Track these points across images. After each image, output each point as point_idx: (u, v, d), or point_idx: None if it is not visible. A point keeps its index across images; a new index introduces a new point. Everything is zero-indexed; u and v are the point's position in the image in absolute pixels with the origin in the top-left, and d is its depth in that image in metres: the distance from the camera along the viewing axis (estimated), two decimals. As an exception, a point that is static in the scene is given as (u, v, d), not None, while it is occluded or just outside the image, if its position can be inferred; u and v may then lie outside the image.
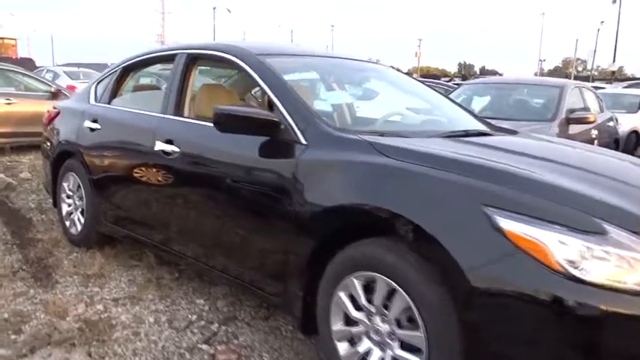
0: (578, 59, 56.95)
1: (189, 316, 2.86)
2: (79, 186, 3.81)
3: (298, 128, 2.37)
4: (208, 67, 4.11)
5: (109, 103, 3.71)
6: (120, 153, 3.38)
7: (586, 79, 37.75)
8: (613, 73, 36.85)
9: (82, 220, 3.81)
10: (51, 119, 4.23)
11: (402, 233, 1.89)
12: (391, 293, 1.93)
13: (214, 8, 50.29)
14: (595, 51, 50.51)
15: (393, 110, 3.17)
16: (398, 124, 2.97)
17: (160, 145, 2.95)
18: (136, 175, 3.19)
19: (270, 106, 4.64)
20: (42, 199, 5.26)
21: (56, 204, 4.17)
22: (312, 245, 2.19)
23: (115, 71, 3.78)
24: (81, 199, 3.80)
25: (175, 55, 3.23)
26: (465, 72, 74.68)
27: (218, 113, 2.42)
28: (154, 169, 3.03)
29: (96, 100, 3.83)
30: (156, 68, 6.72)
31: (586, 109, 6.49)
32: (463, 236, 1.75)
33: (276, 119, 2.41)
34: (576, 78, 40.34)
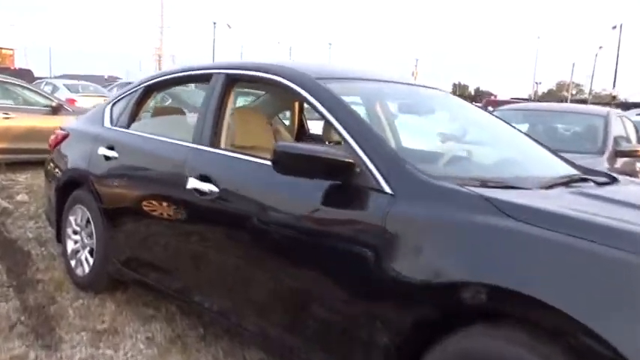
0: (573, 83, 56.89)
1: (225, 393, 2.35)
2: (88, 221, 3.30)
3: (380, 173, 1.89)
4: (247, 90, 3.64)
5: (127, 128, 3.21)
6: (141, 188, 2.89)
7: (582, 102, 37.53)
8: (614, 97, 36.67)
9: (91, 261, 3.29)
10: (58, 142, 3.73)
11: (550, 330, 1.41)
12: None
13: (214, 23, 50.10)
14: (593, 75, 50.76)
15: (457, 145, 2.70)
16: (477, 165, 2.49)
17: (193, 183, 2.46)
18: (159, 214, 2.70)
19: (299, 133, 4.26)
20: (41, 227, 4.73)
21: (60, 239, 3.66)
22: (402, 326, 1.70)
23: (136, 90, 3.30)
24: (90, 236, 3.30)
25: (211, 74, 2.75)
26: (460, 92, 74.69)
27: (279, 151, 1.95)
28: (184, 210, 2.55)
29: (112, 123, 3.34)
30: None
31: (628, 139, 6.06)
32: None
33: (351, 161, 1.93)
34: (572, 102, 40.20)
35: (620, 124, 6.03)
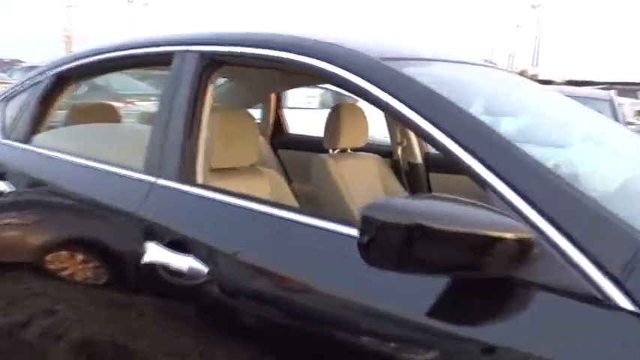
0: (488, 61, 58.46)
1: None
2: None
3: (595, 263, 0.89)
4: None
5: (27, 142, 1.97)
6: (52, 252, 1.70)
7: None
8: (533, 76, 37.87)
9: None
10: None
11: None
12: None
13: (129, 1, 46.63)
14: (513, 55, 52.32)
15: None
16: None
17: (155, 253, 1.34)
18: (89, 299, 1.56)
19: (276, 133, 3.17)
20: None
21: None
22: None
23: (41, 81, 2.03)
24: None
25: (171, 53, 1.61)
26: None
27: (372, 218, 0.90)
28: (140, 300, 1.43)
29: (3, 134, 2.08)
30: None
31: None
32: None
33: (530, 237, 0.91)
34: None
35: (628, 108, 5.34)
